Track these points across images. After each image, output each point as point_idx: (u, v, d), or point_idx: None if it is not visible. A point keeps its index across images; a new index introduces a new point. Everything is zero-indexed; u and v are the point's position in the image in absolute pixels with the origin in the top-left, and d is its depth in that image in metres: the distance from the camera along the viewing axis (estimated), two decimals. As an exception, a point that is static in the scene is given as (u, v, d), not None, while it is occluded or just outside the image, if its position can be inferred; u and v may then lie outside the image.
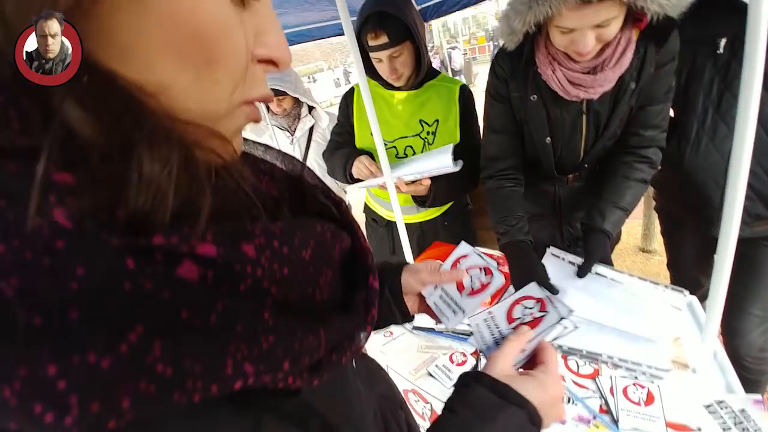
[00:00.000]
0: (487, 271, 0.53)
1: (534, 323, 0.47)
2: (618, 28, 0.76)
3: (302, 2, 1.95)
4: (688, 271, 1.30)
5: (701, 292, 1.19)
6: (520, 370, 0.46)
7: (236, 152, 0.25)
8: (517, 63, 0.92)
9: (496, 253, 1.14)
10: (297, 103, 1.64)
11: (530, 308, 0.49)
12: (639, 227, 2.52)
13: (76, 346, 0.15)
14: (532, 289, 0.51)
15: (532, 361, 0.46)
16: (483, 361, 0.82)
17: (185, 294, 0.18)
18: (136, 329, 0.16)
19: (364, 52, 1.11)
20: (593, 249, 0.95)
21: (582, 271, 0.94)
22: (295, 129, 1.68)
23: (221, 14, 0.20)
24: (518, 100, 0.97)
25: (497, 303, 0.52)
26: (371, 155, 1.25)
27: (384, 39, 1.05)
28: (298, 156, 1.71)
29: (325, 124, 1.69)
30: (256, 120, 0.26)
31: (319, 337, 0.23)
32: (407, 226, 1.30)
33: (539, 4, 0.73)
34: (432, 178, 1.18)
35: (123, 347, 0.16)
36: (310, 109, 1.69)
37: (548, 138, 0.98)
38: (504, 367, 0.41)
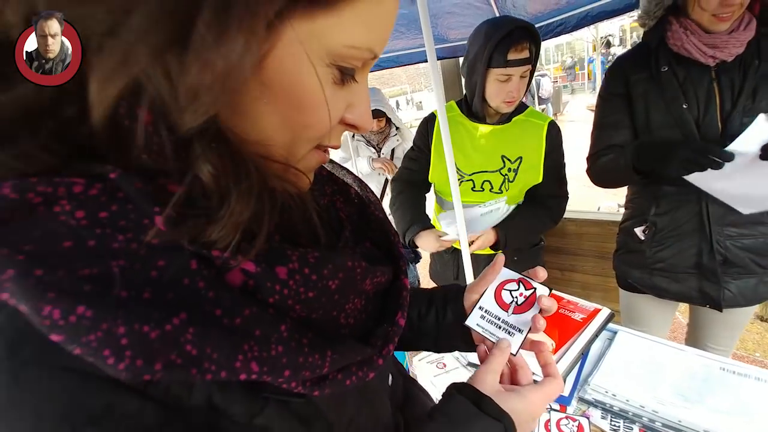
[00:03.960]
0: (525, 284, 0.49)
1: (530, 301, 0.48)
2: None
3: (394, 30, 2.05)
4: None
5: None
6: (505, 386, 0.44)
7: (309, 184, 0.31)
8: (638, 55, 1.00)
9: (568, 297, 1.03)
10: (388, 123, 1.90)
11: (516, 290, 0.49)
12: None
13: (140, 317, 0.20)
14: (505, 273, 0.51)
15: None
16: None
17: (224, 296, 0.23)
18: (180, 315, 0.21)
19: (453, 75, 1.12)
20: None
21: None
22: (382, 146, 1.96)
23: (321, 92, 0.25)
24: (643, 84, 0.98)
25: (481, 298, 0.50)
26: (432, 226, 1.24)
27: (526, 53, 1.03)
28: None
29: (410, 145, 1.84)
30: (324, 162, 0.32)
31: (324, 356, 0.27)
32: (475, 256, 1.25)
33: None
34: (499, 225, 1.17)
35: (168, 326, 0.21)
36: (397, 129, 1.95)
37: (685, 104, 0.95)
38: (494, 383, 0.41)
